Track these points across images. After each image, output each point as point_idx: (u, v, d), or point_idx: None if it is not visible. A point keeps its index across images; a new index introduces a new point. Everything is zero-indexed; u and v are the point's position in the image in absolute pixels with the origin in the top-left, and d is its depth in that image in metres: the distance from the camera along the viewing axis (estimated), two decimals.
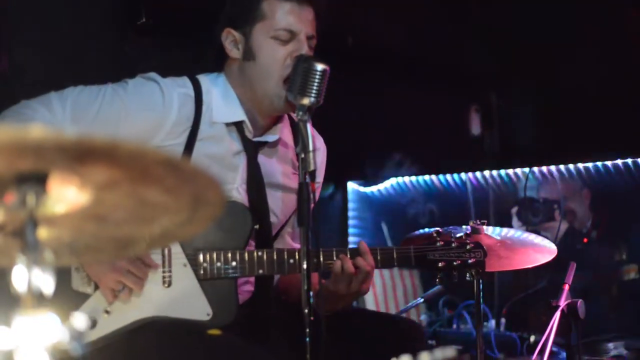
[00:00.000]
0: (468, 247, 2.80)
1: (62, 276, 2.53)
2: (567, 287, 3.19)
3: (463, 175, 5.35)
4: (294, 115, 2.84)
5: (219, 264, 2.59)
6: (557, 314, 3.10)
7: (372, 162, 5.67)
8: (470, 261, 2.79)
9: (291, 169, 2.86)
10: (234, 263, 2.60)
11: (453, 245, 2.79)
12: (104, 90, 2.64)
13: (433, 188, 5.56)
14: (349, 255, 2.65)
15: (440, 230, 2.85)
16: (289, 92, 2.56)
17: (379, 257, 2.70)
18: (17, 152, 1.31)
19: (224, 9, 2.76)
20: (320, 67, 2.50)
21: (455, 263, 2.78)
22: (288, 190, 2.84)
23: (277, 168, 2.82)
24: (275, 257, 2.63)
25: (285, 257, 2.64)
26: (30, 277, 1.31)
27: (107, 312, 2.54)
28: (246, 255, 2.61)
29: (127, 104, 2.59)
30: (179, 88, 2.66)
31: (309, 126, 2.44)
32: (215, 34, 2.75)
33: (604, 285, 4.70)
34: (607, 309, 4.59)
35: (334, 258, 2.65)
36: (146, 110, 2.60)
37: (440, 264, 2.77)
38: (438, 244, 2.78)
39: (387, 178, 5.66)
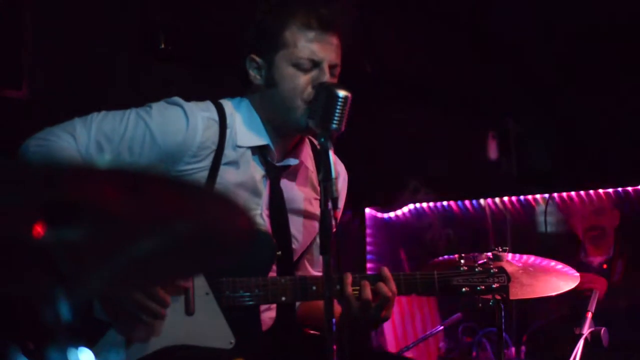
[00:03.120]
0: (492, 271, 2.77)
1: (85, 304, 2.51)
2: (590, 315, 3.17)
3: (481, 200, 5.33)
4: (315, 141, 2.83)
5: (241, 291, 2.57)
6: (581, 342, 3.07)
7: (390, 187, 5.66)
8: (494, 286, 2.76)
9: (313, 194, 2.85)
10: (256, 290, 2.57)
11: (477, 270, 2.77)
12: (127, 114, 2.63)
13: (451, 213, 5.53)
14: (370, 281, 2.63)
15: (463, 255, 2.82)
16: (310, 119, 2.55)
17: (402, 283, 2.67)
18: (47, 181, 1.31)
19: (248, 35, 2.75)
20: (342, 94, 2.48)
21: (479, 288, 2.75)
22: (309, 216, 2.82)
23: (299, 193, 2.81)
24: (298, 284, 2.62)
25: (308, 283, 2.62)
26: (61, 308, 1.30)
27: (129, 341, 2.52)
28: (269, 282, 2.60)
29: (151, 128, 2.59)
30: (202, 112, 2.66)
31: (330, 153, 2.42)
32: (239, 59, 2.75)
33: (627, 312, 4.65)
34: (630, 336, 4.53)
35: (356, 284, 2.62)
36: (170, 133, 2.60)
37: (464, 289, 2.74)
38: (462, 269, 2.76)
39: (405, 204, 5.64)
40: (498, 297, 2.77)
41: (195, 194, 1.40)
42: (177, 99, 2.67)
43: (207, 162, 2.62)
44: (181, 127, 2.60)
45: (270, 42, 2.66)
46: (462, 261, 2.77)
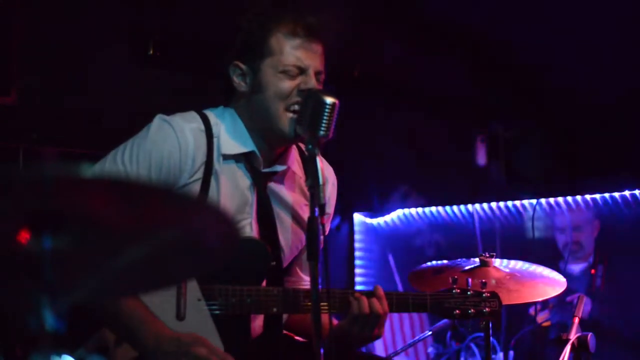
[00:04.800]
0: (484, 295, 2.78)
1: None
2: (577, 320, 3.17)
3: (470, 206, 5.34)
4: (302, 146, 2.83)
5: (233, 299, 2.55)
6: (567, 348, 3.08)
7: (379, 193, 5.67)
8: (485, 310, 2.77)
9: (302, 200, 2.83)
10: (248, 300, 2.57)
11: (469, 293, 2.78)
12: (121, 161, 2.57)
13: (439, 219, 5.55)
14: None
15: (454, 279, 2.78)
16: (298, 126, 2.56)
17: (394, 301, 2.68)
18: (32, 189, 1.31)
19: (231, 42, 2.75)
20: (329, 100, 2.49)
21: (470, 312, 2.76)
22: (299, 221, 2.81)
23: (288, 199, 2.80)
24: (290, 296, 2.61)
25: (302, 297, 2.62)
26: (46, 316, 1.30)
27: (118, 342, 2.51)
28: (262, 292, 2.60)
29: (152, 161, 2.55)
30: (189, 123, 2.64)
31: (318, 159, 2.43)
32: (223, 66, 2.74)
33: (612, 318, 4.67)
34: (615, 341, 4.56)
35: (350, 299, 2.62)
36: (165, 153, 2.57)
37: (455, 312, 2.75)
38: (454, 291, 2.76)
39: (394, 209, 5.65)
40: (489, 319, 2.77)
41: (181, 202, 1.41)
42: (159, 118, 2.63)
43: (200, 174, 2.62)
44: (173, 144, 2.58)
45: (255, 49, 2.65)
46: (455, 285, 2.77)
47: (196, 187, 2.60)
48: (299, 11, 2.66)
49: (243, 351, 2.58)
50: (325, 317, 2.37)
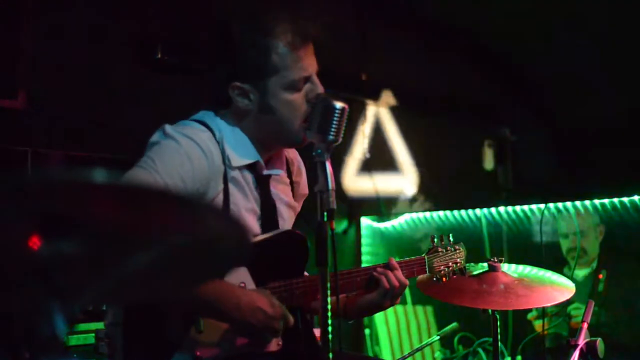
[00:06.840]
0: (456, 248, 3.07)
1: (153, 322, 2.53)
2: (585, 325, 3.16)
3: (477, 211, 5.33)
4: None
5: (285, 294, 2.62)
6: (576, 353, 3.07)
7: (386, 197, 5.66)
8: (458, 261, 3.07)
9: (287, 188, 2.88)
10: (297, 292, 2.63)
11: (455, 248, 3.07)
12: (150, 165, 2.49)
13: (447, 223, 5.54)
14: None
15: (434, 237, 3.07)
16: (307, 131, 2.55)
17: (404, 270, 2.85)
18: (42, 194, 1.31)
19: (227, 65, 2.64)
20: (339, 105, 2.48)
21: (450, 265, 3.04)
22: (292, 208, 2.88)
23: (281, 193, 2.82)
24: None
25: (353, 275, 2.74)
26: (56, 321, 1.30)
27: (197, 358, 2.53)
28: (307, 281, 2.66)
29: (181, 169, 2.52)
30: (202, 132, 2.61)
31: (327, 165, 2.42)
32: (217, 85, 2.67)
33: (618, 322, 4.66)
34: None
35: (375, 276, 2.76)
36: (196, 165, 2.54)
37: (441, 269, 3.01)
38: (439, 250, 3.03)
39: (401, 213, 5.65)
40: (460, 268, 3.08)
41: (190, 207, 1.41)
42: (169, 130, 2.57)
43: (221, 184, 2.62)
44: (201, 157, 2.56)
45: (258, 69, 2.61)
46: (438, 243, 3.05)
47: (220, 197, 2.60)
48: (290, 20, 2.62)
49: (299, 345, 2.65)
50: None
